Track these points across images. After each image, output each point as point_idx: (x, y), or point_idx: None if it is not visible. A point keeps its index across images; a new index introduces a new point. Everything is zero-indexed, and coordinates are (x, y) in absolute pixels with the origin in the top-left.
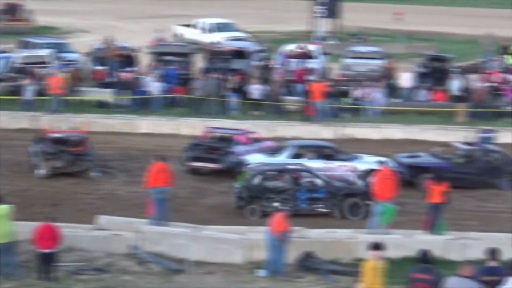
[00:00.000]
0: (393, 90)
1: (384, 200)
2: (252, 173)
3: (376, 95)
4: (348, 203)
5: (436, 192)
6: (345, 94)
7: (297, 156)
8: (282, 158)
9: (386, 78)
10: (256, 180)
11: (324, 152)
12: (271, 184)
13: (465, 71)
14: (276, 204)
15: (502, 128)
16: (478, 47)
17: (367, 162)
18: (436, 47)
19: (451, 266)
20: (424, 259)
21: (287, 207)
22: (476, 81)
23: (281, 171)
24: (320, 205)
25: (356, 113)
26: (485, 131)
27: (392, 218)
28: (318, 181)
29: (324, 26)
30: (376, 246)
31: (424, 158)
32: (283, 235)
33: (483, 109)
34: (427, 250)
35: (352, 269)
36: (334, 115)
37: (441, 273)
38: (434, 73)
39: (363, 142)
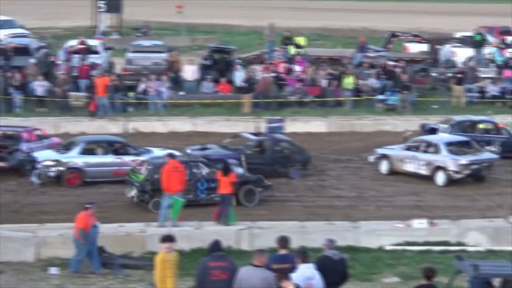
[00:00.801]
0: (177, 83)
1: (173, 192)
2: (153, 167)
3: (161, 88)
4: (243, 190)
5: (224, 183)
6: (130, 88)
7: (87, 151)
8: (73, 154)
9: (170, 72)
10: (158, 174)
11: (114, 146)
12: None
13: (249, 62)
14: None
15: (287, 117)
16: (261, 38)
17: (157, 155)
18: (218, 39)
19: (243, 255)
20: (216, 248)
21: (188, 198)
22: (260, 72)
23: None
24: (218, 195)
25: (141, 107)
26: (273, 121)
27: (180, 210)
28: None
29: (106, 21)
30: (167, 239)
31: (214, 150)
32: (83, 232)
33: (268, 99)
34: (218, 240)
35: (144, 262)
36: (120, 110)
37: (234, 260)
38: (218, 65)
39: (150, 136)
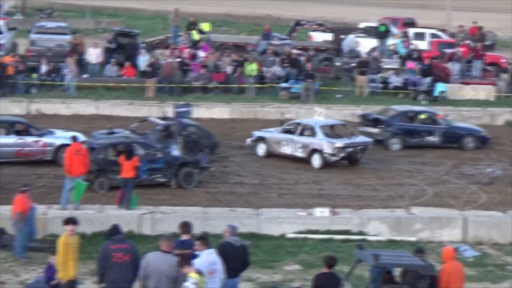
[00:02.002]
0: (81, 66)
1: (75, 175)
2: (97, 148)
3: (65, 70)
4: (183, 172)
5: (127, 167)
6: (33, 69)
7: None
8: None
9: (74, 54)
10: (102, 154)
11: (16, 127)
12: (114, 157)
13: (153, 46)
14: (119, 176)
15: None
16: (165, 22)
17: (59, 137)
18: (123, 22)
19: (145, 240)
20: (115, 231)
21: None
22: (164, 57)
23: (122, 144)
24: (159, 175)
25: (45, 88)
26: (181, 105)
27: (82, 193)
28: (157, 152)
29: (10, 1)
30: (70, 221)
31: (121, 134)
32: (22, 215)
33: (172, 84)
34: (116, 224)
35: (45, 245)
36: (23, 91)
37: (134, 244)
38: (122, 49)
39: (53, 118)
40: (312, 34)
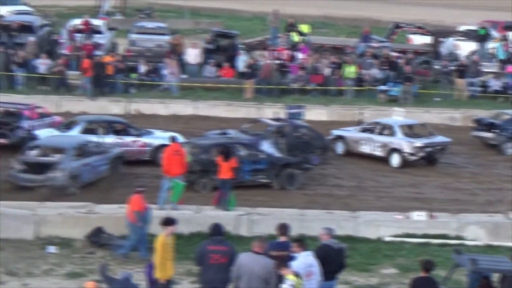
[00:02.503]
0: (180, 66)
1: (173, 176)
2: (199, 148)
3: (164, 71)
4: (285, 173)
5: (225, 168)
6: (132, 69)
7: (88, 131)
8: (74, 133)
9: (173, 54)
10: (206, 155)
11: (115, 127)
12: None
13: (252, 47)
14: None
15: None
16: (264, 24)
17: (158, 137)
18: (222, 23)
19: (241, 241)
20: (216, 231)
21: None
22: (262, 58)
23: (226, 144)
24: (261, 176)
25: (144, 88)
26: (293, 107)
27: (181, 193)
28: (259, 153)
29: (110, 1)
30: (169, 222)
31: (234, 135)
32: (140, 214)
33: (270, 85)
34: (218, 223)
35: None
36: (122, 91)
37: (233, 246)
38: (221, 50)
39: (151, 118)
40: (411, 36)
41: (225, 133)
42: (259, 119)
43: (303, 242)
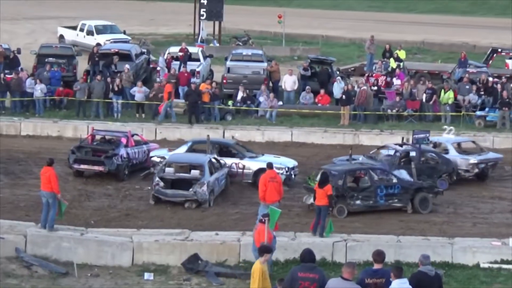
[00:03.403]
0: (276, 93)
1: (269, 202)
2: (337, 174)
3: (260, 97)
4: (418, 198)
5: (320, 195)
6: (229, 96)
7: (193, 151)
8: (182, 151)
9: (269, 81)
10: (341, 180)
11: (220, 148)
12: (353, 183)
13: (348, 74)
14: (358, 202)
15: (386, 131)
16: (361, 50)
17: (259, 160)
18: (318, 50)
19: (337, 268)
20: (307, 258)
21: (368, 204)
22: (359, 84)
23: (361, 170)
24: (395, 200)
25: (240, 115)
26: (419, 132)
27: (277, 220)
28: (392, 178)
29: (207, 28)
30: (265, 250)
31: (363, 161)
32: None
33: (367, 111)
34: (310, 250)
35: (238, 271)
36: (219, 118)
37: (324, 272)
38: (317, 76)
39: (248, 145)
40: (509, 62)
41: (353, 159)
42: (386, 144)
43: (400, 269)
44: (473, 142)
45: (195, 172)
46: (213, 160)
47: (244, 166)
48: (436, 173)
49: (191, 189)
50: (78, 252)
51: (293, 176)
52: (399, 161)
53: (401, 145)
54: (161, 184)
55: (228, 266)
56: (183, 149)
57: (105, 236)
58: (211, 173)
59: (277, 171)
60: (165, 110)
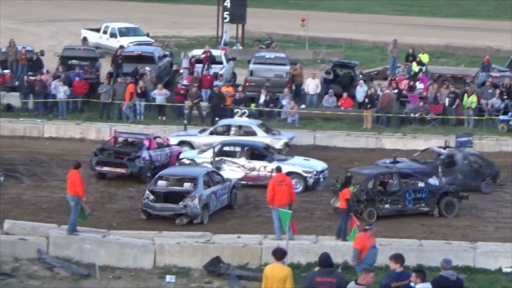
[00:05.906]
0: (299, 96)
1: (278, 205)
2: (368, 177)
3: (283, 101)
4: (444, 201)
5: (342, 198)
6: (252, 99)
7: (223, 153)
8: (209, 155)
9: (292, 84)
10: (371, 184)
11: (250, 150)
12: (382, 187)
13: (371, 77)
14: (387, 206)
15: (408, 134)
16: (384, 53)
17: (289, 163)
18: (341, 53)
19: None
20: (325, 262)
21: (397, 208)
22: (382, 88)
23: (391, 174)
24: (423, 205)
25: (262, 118)
26: (462, 135)
27: (287, 223)
28: (420, 182)
29: (230, 31)
30: (282, 252)
31: (406, 163)
32: (359, 253)
33: (389, 115)
34: (327, 254)
35: (260, 274)
36: None
37: (343, 276)
38: (340, 80)
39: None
40: None
41: (397, 162)
42: (430, 147)
43: (423, 273)
44: None
45: (187, 185)
46: (212, 173)
47: (272, 169)
48: (479, 176)
49: (181, 203)
50: (100, 254)
51: (321, 179)
52: (443, 164)
53: (445, 148)
54: (151, 197)
55: (250, 269)
56: (210, 152)
57: (127, 238)
58: (208, 187)
59: (305, 175)
60: (127, 109)
